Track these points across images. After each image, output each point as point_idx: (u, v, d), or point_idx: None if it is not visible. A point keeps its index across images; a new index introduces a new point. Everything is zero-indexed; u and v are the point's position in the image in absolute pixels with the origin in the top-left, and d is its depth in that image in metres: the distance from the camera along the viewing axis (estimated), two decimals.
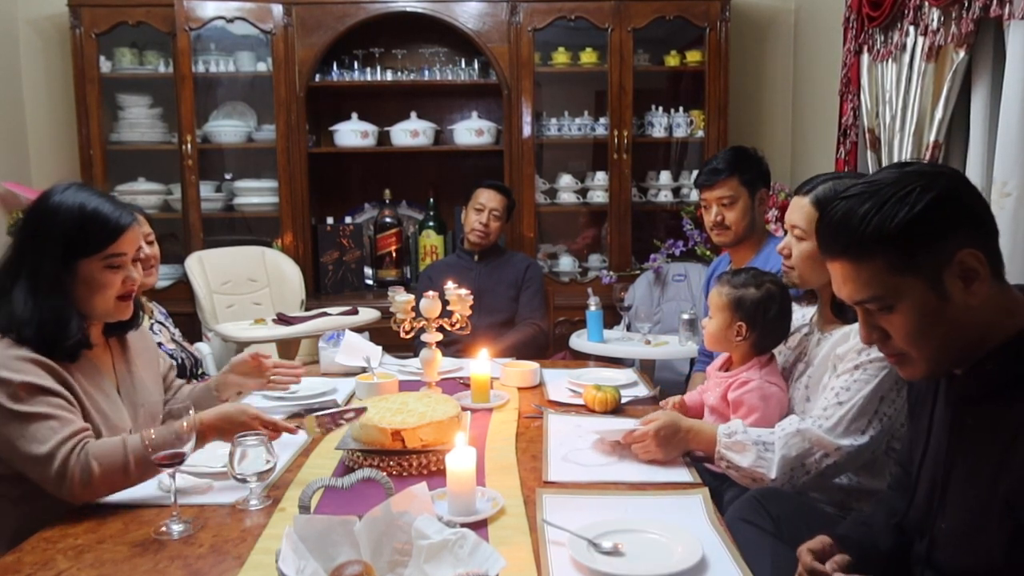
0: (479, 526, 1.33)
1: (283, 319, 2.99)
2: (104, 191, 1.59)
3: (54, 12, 3.75)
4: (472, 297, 2.19)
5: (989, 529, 1.05)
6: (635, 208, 3.87)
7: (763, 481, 1.55)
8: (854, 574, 1.14)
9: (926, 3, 2.37)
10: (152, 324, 2.26)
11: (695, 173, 3.66)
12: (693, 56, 3.84)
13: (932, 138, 2.34)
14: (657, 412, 1.70)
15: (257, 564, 1.22)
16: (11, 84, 3.77)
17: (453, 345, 2.77)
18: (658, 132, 3.90)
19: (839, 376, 1.58)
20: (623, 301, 3.22)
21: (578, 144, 4.01)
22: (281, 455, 1.60)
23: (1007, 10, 1.98)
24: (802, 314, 1.83)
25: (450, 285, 2.20)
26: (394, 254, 4.03)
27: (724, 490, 1.71)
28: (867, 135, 2.82)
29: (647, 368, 3.01)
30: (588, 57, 3.83)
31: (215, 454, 1.60)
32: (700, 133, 3.84)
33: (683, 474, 1.59)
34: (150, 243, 2.17)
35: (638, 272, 3.74)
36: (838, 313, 1.67)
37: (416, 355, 2.38)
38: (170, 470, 1.36)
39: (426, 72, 3.91)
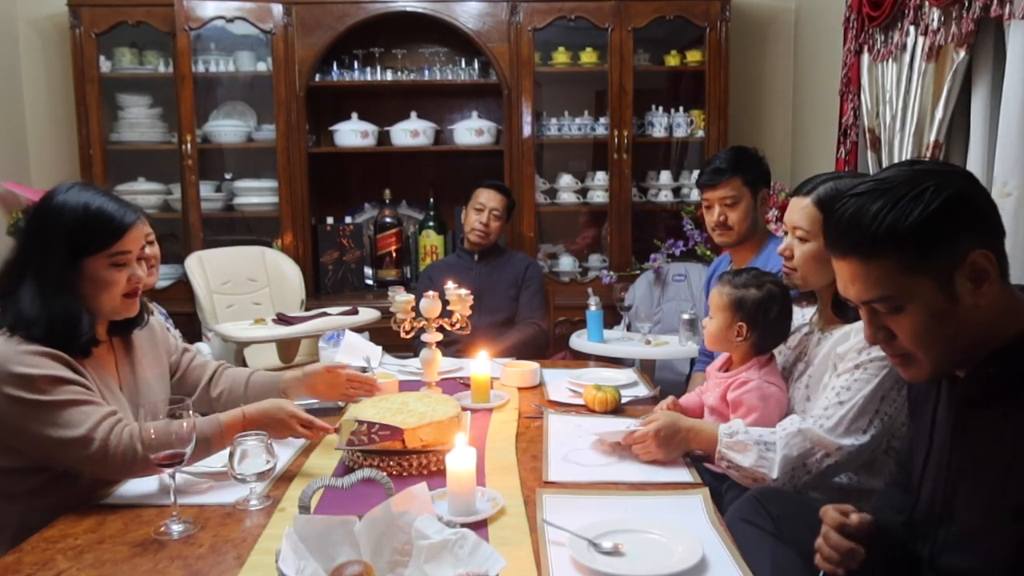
0: (479, 526, 1.33)
1: (283, 319, 2.99)
2: (105, 190, 1.59)
3: (54, 12, 3.75)
4: (472, 297, 2.19)
5: (997, 533, 1.04)
6: (635, 208, 3.87)
7: (764, 481, 1.55)
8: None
9: (926, 3, 2.37)
10: (160, 319, 2.26)
11: (695, 173, 3.67)
12: (693, 56, 3.83)
13: (932, 138, 2.34)
14: (657, 412, 1.70)
15: (257, 564, 1.21)
16: (11, 84, 3.77)
17: (453, 345, 2.77)
18: (658, 132, 3.89)
19: (840, 375, 1.58)
20: (623, 301, 3.22)
21: (578, 144, 4.00)
22: (281, 455, 1.60)
23: (1007, 10, 1.98)
24: (802, 314, 1.83)
25: (450, 285, 2.20)
26: (394, 254, 4.03)
27: (724, 490, 1.71)
28: (867, 135, 2.82)
29: (647, 368, 3.01)
30: (588, 57, 3.83)
31: (215, 455, 1.60)
32: (700, 133, 3.84)
33: (683, 474, 1.59)
34: (150, 243, 2.15)
35: (638, 272, 3.73)
36: (839, 313, 1.67)
37: (416, 355, 2.38)
38: (170, 470, 1.36)
39: (426, 72, 3.91)
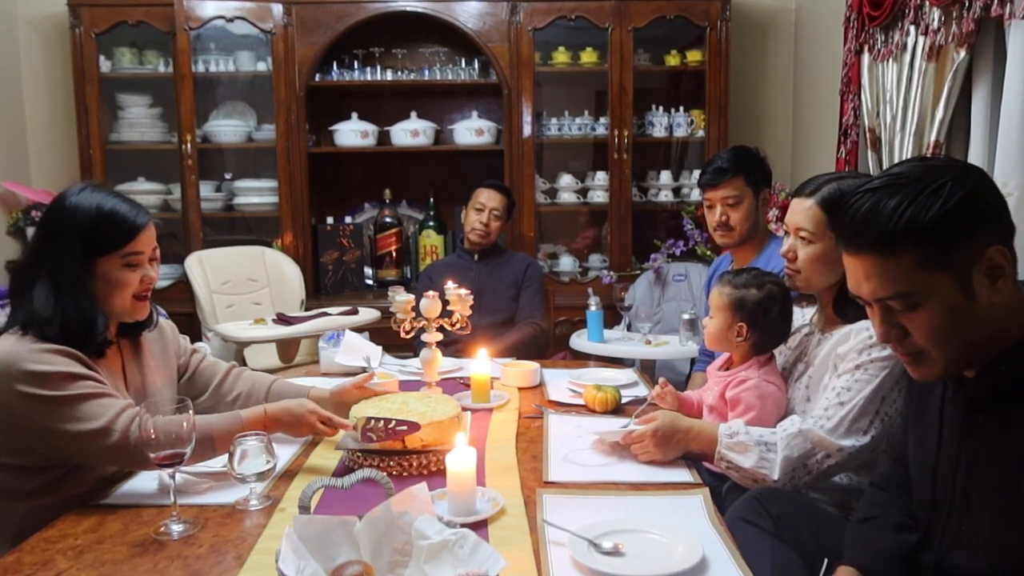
0: (479, 526, 1.32)
1: (283, 319, 2.99)
2: (117, 191, 1.61)
3: (54, 12, 3.74)
4: (472, 297, 2.19)
5: (1009, 533, 1.04)
6: (635, 208, 3.87)
7: (765, 482, 1.54)
8: None
9: (927, 3, 2.37)
10: (170, 322, 2.25)
11: (696, 173, 3.68)
12: (693, 56, 3.83)
13: (933, 138, 2.34)
14: (656, 412, 1.70)
15: (257, 564, 1.21)
16: (11, 84, 3.77)
17: (453, 345, 2.77)
18: (658, 132, 3.89)
19: (840, 376, 1.57)
20: (623, 301, 3.22)
21: (578, 144, 4.00)
22: (281, 455, 1.59)
23: (1008, 9, 1.98)
24: (802, 314, 1.83)
25: (450, 285, 2.20)
26: (394, 254, 4.03)
27: (724, 490, 1.71)
28: (868, 135, 2.82)
29: (647, 368, 3.01)
30: (588, 57, 3.83)
31: None
32: (700, 133, 3.84)
33: (683, 474, 1.58)
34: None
35: (638, 272, 3.73)
36: (840, 313, 1.67)
37: (416, 355, 2.38)
38: (170, 470, 1.36)
39: (426, 72, 3.91)
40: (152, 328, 1.71)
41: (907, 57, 2.50)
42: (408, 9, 3.71)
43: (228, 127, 3.84)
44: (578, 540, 1.24)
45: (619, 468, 1.61)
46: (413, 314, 2.12)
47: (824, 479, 1.58)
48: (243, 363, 3.06)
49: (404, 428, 1.57)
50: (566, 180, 3.94)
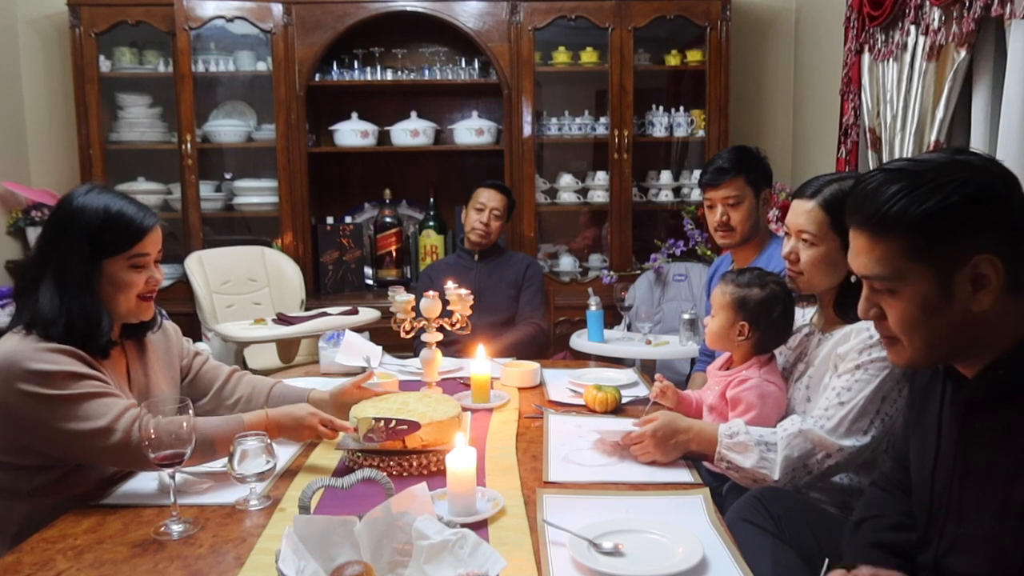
0: (479, 526, 1.32)
1: (283, 319, 2.99)
2: (123, 193, 1.62)
3: (54, 11, 3.74)
4: (472, 297, 2.19)
5: (1006, 536, 1.03)
6: (636, 208, 3.87)
7: (765, 482, 1.54)
8: None
9: (927, 2, 2.36)
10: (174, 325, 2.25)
11: (696, 173, 3.68)
12: (694, 55, 3.83)
13: (933, 137, 2.34)
14: (656, 412, 1.70)
15: (257, 564, 1.21)
16: (11, 83, 3.77)
17: (453, 345, 2.76)
18: (659, 132, 3.89)
19: (840, 376, 1.57)
20: (624, 301, 3.21)
21: (579, 144, 4.00)
22: (281, 455, 1.59)
23: (1008, 9, 1.98)
24: (802, 314, 1.83)
25: (450, 285, 2.20)
26: (394, 254, 4.03)
27: (725, 490, 1.71)
28: (868, 135, 2.82)
29: (648, 368, 3.01)
30: (589, 56, 3.82)
31: None
32: (701, 133, 3.84)
33: (684, 474, 1.58)
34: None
35: (639, 272, 3.73)
36: (840, 313, 1.66)
37: (416, 355, 2.38)
38: (170, 470, 1.36)
39: (426, 71, 3.91)
40: (156, 329, 1.72)
41: (907, 57, 2.50)
42: (408, 9, 3.71)
43: (228, 127, 3.84)
44: (578, 540, 1.24)
45: (619, 468, 1.61)
46: (413, 314, 2.12)
47: (824, 479, 1.58)
48: (243, 363, 3.06)
49: (405, 428, 1.57)
50: (566, 180, 3.94)
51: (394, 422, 1.57)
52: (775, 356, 1.80)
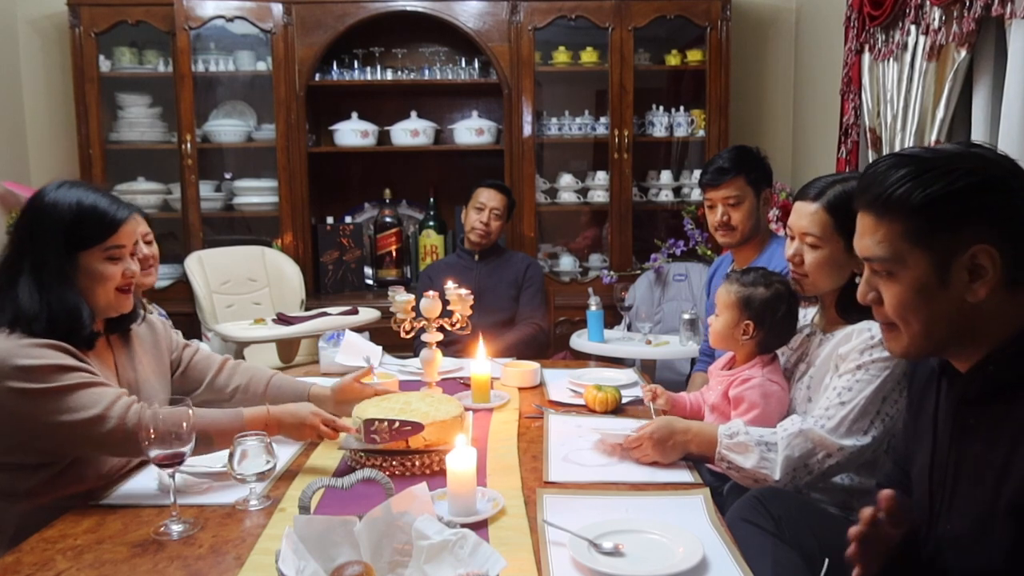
0: (479, 526, 1.32)
1: (283, 319, 2.98)
2: (96, 186, 1.62)
3: (53, 11, 3.74)
4: (472, 297, 2.19)
5: (993, 533, 1.04)
6: (636, 208, 3.87)
7: (766, 482, 1.54)
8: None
9: (927, 2, 2.36)
10: (162, 318, 2.25)
11: (696, 173, 3.67)
12: (694, 55, 3.83)
13: (933, 137, 2.34)
14: (657, 418, 1.70)
15: (257, 564, 1.21)
16: (10, 83, 3.77)
17: (453, 345, 2.76)
18: (659, 131, 3.89)
19: (841, 376, 1.57)
20: (624, 301, 3.21)
21: (579, 143, 4.00)
22: (281, 455, 1.59)
23: (1009, 9, 1.98)
24: (803, 315, 1.83)
25: (450, 285, 2.20)
26: (394, 254, 4.03)
27: (725, 490, 1.71)
28: (868, 134, 2.81)
29: (648, 368, 3.01)
30: (589, 56, 3.82)
31: (215, 454, 1.60)
32: (701, 133, 3.84)
33: (684, 475, 1.58)
34: (148, 243, 2.16)
35: (639, 272, 3.73)
36: (842, 314, 1.66)
37: (416, 355, 2.38)
38: (170, 470, 1.36)
39: (426, 71, 3.91)
40: (140, 322, 1.72)
41: (908, 57, 2.50)
42: (408, 9, 3.70)
43: (228, 127, 3.84)
44: (578, 540, 1.24)
45: (619, 468, 1.61)
46: (413, 314, 2.12)
47: (825, 479, 1.58)
48: None
49: (408, 429, 1.56)
50: (566, 180, 3.93)
51: (398, 423, 1.57)
52: (777, 356, 1.80)
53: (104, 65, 3.70)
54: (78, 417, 1.42)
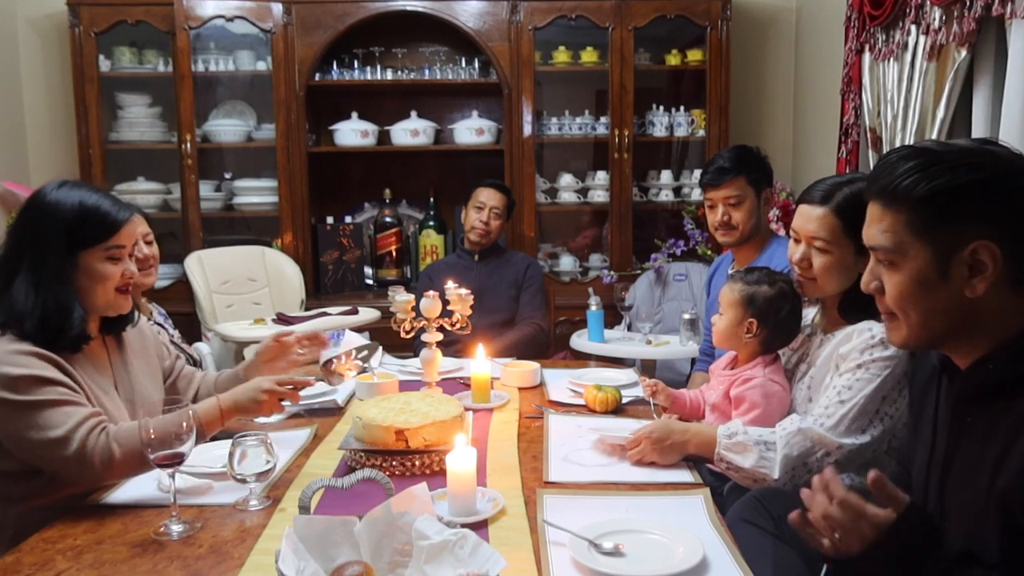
0: (479, 527, 1.32)
1: (283, 319, 2.98)
2: (96, 187, 1.62)
3: (53, 11, 3.74)
4: (472, 297, 2.18)
5: (987, 529, 1.04)
6: (636, 207, 3.87)
7: (765, 481, 1.54)
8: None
9: (928, 2, 2.36)
10: (151, 325, 2.26)
11: (696, 172, 3.67)
12: (694, 55, 3.83)
13: (934, 137, 2.34)
14: (655, 420, 1.70)
15: (257, 565, 1.21)
16: (10, 83, 3.77)
17: (453, 345, 2.76)
18: (659, 131, 3.89)
19: (841, 375, 1.57)
20: (624, 301, 3.21)
21: (579, 143, 4.00)
22: (281, 455, 1.59)
23: (1009, 9, 1.97)
24: (804, 315, 1.82)
25: (450, 285, 2.20)
26: (394, 254, 4.03)
27: (726, 490, 1.71)
28: (869, 134, 2.81)
29: (648, 368, 3.01)
30: (589, 56, 3.82)
31: (215, 454, 1.60)
32: (701, 132, 3.84)
33: (684, 475, 1.58)
34: (149, 243, 2.17)
35: (639, 272, 3.73)
36: (845, 315, 1.66)
37: (416, 355, 2.38)
38: (170, 470, 1.36)
39: (426, 71, 3.90)
40: (134, 324, 1.73)
41: (908, 56, 2.50)
42: (408, 8, 3.70)
43: (228, 126, 3.84)
44: (579, 540, 1.24)
45: (619, 468, 1.61)
46: (413, 314, 2.12)
47: None
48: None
49: (365, 353, 1.57)
50: (566, 180, 3.93)
51: (353, 351, 1.56)
52: (779, 357, 1.80)
53: (104, 65, 3.70)
54: (43, 436, 1.41)
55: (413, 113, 3.92)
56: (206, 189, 3.80)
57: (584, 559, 1.19)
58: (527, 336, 3.02)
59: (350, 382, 2.20)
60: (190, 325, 3.38)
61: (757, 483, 1.55)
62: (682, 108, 3.88)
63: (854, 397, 1.53)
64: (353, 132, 3.88)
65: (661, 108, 3.89)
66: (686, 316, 3.01)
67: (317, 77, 3.78)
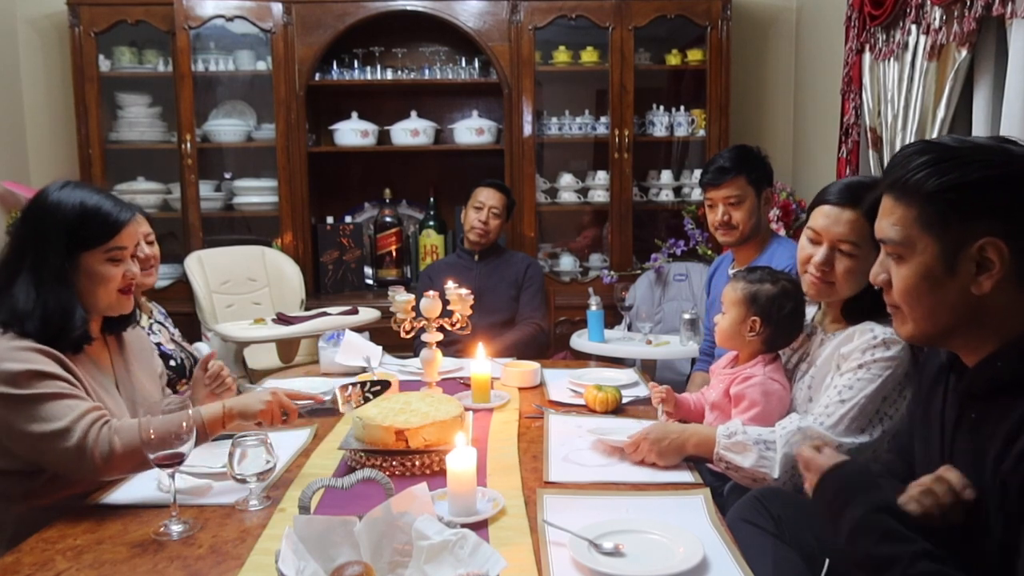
0: (480, 527, 1.32)
1: (283, 319, 2.98)
2: (99, 188, 1.63)
3: (53, 11, 3.74)
4: (472, 297, 2.18)
5: (990, 519, 1.03)
6: (636, 207, 3.87)
7: (765, 481, 1.54)
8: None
9: (928, 2, 2.36)
10: (151, 324, 2.26)
11: (696, 172, 3.67)
12: (694, 55, 3.83)
13: (934, 137, 2.34)
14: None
15: (257, 565, 1.21)
16: (10, 83, 3.77)
17: (453, 345, 2.76)
18: (659, 131, 3.89)
19: (843, 374, 1.57)
20: (624, 301, 3.21)
21: (579, 143, 4.00)
22: (281, 455, 1.59)
23: (1009, 8, 1.97)
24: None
25: (450, 285, 2.20)
26: (394, 253, 4.03)
27: (726, 490, 1.71)
28: (869, 134, 2.81)
29: (648, 368, 3.01)
30: (589, 56, 3.82)
31: (215, 454, 1.60)
32: (701, 132, 3.84)
33: (684, 475, 1.58)
34: (150, 243, 2.17)
35: (639, 272, 3.73)
36: (848, 315, 1.65)
37: (416, 355, 2.38)
38: (170, 471, 1.36)
39: (426, 71, 3.90)
40: (136, 324, 1.73)
41: (908, 56, 2.50)
42: (408, 8, 3.70)
43: (228, 126, 3.84)
44: (579, 540, 1.24)
45: (620, 468, 1.61)
46: (413, 314, 2.12)
47: None
48: (243, 363, 3.06)
49: (379, 388, 1.60)
50: (567, 180, 3.93)
51: (368, 384, 1.60)
52: (780, 356, 1.80)
53: (104, 65, 3.70)
54: (44, 428, 1.40)
55: (413, 113, 3.92)
56: (206, 189, 3.79)
57: (584, 559, 1.19)
58: (527, 336, 3.01)
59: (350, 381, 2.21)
60: (190, 325, 3.37)
61: (757, 482, 1.55)
62: (682, 108, 3.88)
63: (855, 397, 1.53)
64: (353, 132, 3.88)
65: (661, 108, 3.89)
66: (686, 316, 3.01)
67: (317, 77, 3.78)
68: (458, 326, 2.15)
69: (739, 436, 1.57)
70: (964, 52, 2.19)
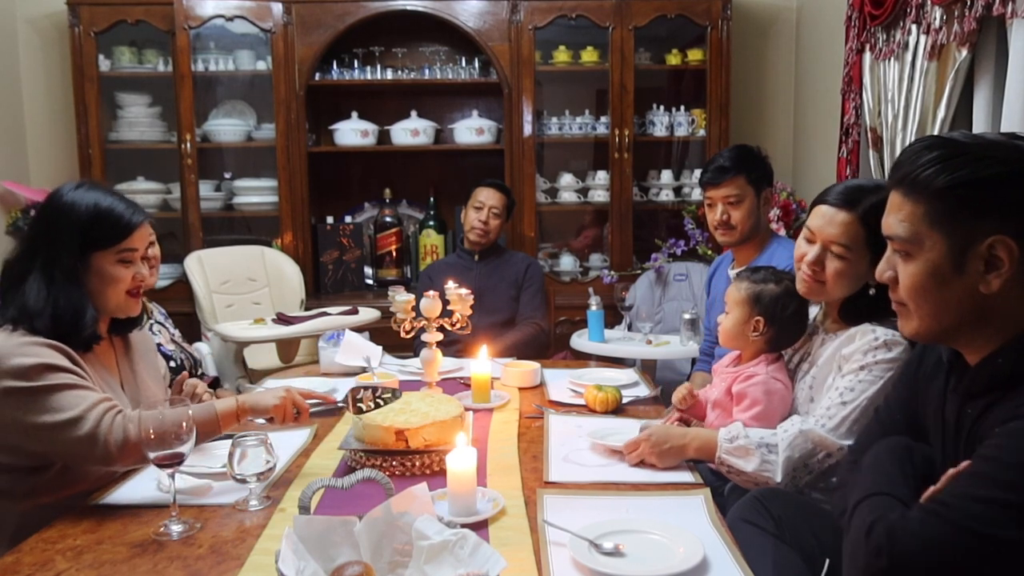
0: (480, 527, 1.32)
1: (283, 319, 2.98)
2: (113, 189, 1.65)
3: (53, 10, 3.74)
4: (472, 297, 2.18)
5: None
6: (636, 207, 3.86)
7: (767, 484, 1.54)
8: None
9: (928, 1, 2.36)
10: (151, 324, 2.26)
11: (697, 172, 3.67)
12: (695, 55, 3.83)
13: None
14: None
15: (257, 565, 1.21)
16: (10, 83, 3.77)
17: (453, 345, 2.76)
18: (659, 131, 3.89)
19: (844, 376, 1.57)
20: (624, 301, 3.21)
21: (579, 143, 4.00)
22: (281, 455, 1.59)
23: (1010, 8, 1.97)
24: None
25: (450, 285, 2.20)
26: (394, 253, 4.03)
27: (727, 491, 1.71)
28: (869, 134, 2.81)
29: (648, 368, 3.00)
30: (589, 56, 3.82)
31: (214, 454, 1.60)
32: (702, 132, 3.84)
33: (685, 475, 1.58)
34: (151, 244, 2.16)
35: (639, 272, 3.73)
36: (845, 317, 1.65)
37: (416, 355, 2.38)
38: (170, 470, 1.36)
39: (426, 71, 3.90)
40: (142, 326, 1.74)
41: (908, 56, 2.50)
42: (408, 8, 3.70)
43: (228, 126, 3.84)
44: (579, 541, 1.23)
45: (620, 468, 1.61)
46: (413, 314, 2.12)
47: (825, 478, 1.57)
48: (243, 363, 3.06)
49: (389, 396, 1.59)
50: (567, 179, 3.93)
51: (379, 389, 1.60)
52: (782, 356, 1.80)
53: (104, 65, 3.70)
54: (56, 418, 1.40)
55: (413, 113, 3.92)
56: (206, 189, 3.79)
57: (584, 559, 1.19)
58: (527, 336, 3.01)
59: (350, 381, 2.21)
60: (190, 325, 3.37)
61: (759, 485, 1.55)
62: (682, 108, 3.88)
63: (856, 399, 1.53)
64: (353, 132, 3.88)
65: (661, 108, 3.88)
66: (686, 316, 3.00)
67: (317, 77, 3.78)
68: (458, 326, 2.15)
69: (741, 440, 1.57)
70: (964, 52, 2.19)
